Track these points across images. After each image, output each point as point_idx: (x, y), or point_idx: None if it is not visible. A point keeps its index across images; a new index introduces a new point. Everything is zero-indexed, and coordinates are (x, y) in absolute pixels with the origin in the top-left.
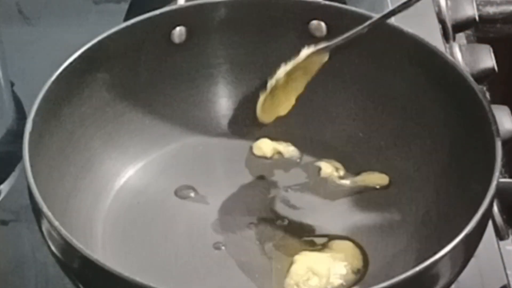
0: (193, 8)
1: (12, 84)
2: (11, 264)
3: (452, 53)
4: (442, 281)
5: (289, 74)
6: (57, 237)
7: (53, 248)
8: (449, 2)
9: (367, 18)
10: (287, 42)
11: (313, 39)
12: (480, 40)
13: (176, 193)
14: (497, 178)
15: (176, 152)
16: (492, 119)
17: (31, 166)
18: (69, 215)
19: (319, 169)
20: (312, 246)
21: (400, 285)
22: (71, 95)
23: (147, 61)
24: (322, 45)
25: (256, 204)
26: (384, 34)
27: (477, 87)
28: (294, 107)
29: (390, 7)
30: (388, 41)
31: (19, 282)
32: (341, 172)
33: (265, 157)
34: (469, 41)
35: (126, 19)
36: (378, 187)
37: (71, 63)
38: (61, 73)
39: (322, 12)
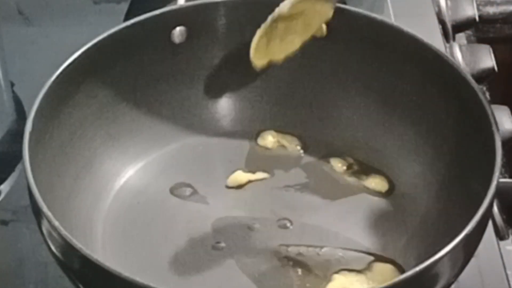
0: (193, 8)
1: (12, 84)
2: (11, 264)
3: (452, 53)
4: (442, 281)
5: (291, 15)
6: (57, 237)
7: (53, 248)
8: (449, 2)
9: (367, 18)
10: None
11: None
12: (480, 40)
13: (176, 193)
14: (497, 178)
15: (176, 152)
16: (492, 119)
17: (31, 166)
18: (69, 215)
19: (328, 163)
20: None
21: (400, 285)
22: (71, 95)
23: (147, 61)
24: None
25: (256, 204)
26: (384, 34)
27: (477, 87)
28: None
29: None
30: (388, 41)
31: (19, 282)
32: (352, 167)
33: (267, 148)
34: (469, 41)
35: (126, 19)
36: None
37: (71, 63)
38: (61, 73)
39: None
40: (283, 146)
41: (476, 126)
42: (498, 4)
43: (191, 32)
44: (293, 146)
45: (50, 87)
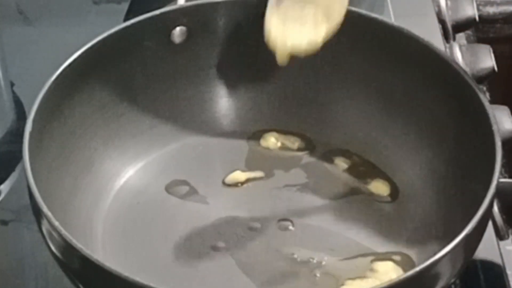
0: (193, 8)
1: (12, 84)
2: (11, 264)
3: (452, 53)
4: (442, 281)
5: None
6: (57, 237)
7: (53, 248)
8: (449, 2)
9: (367, 18)
10: None
11: None
12: (480, 40)
13: (176, 193)
14: (497, 178)
15: (176, 152)
16: (492, 119)
17: (31, 166)
18: (69, 215)
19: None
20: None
21: (400, 285)
22: (71, 95)
23: (147, 61)
24: None
25: (257, 204)
26: (384, 34)
27: (477, 87)
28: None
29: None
30: (388, 41)
31: (19, 282)
32: (352, 168)
33: (268, 149)
34: (469, 41)
35: (126, 19)
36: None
37: (71, 63)
38: (61, 73)
39: None
40: (285, 147)
41: (476, 126)
42: (498, 4)
43: (191, 32)
44: (294, 146)
45: (50, 87)
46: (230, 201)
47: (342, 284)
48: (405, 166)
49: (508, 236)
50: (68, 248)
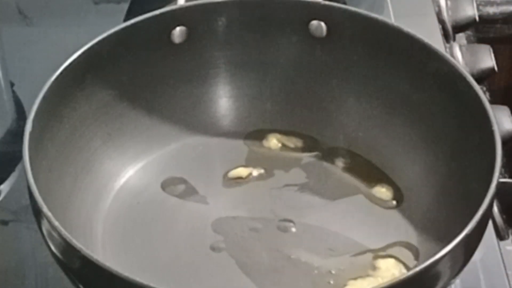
0: (193, 8)
1: (12, 84)
2: (11, 264)
3: (452, 53)
4: (442, 281)
5: None
6: (57, 237)
7: (53, 248)
8: (449, 2)
9: (367, 18)
10: (287, 42)
11: (313, 39)
12: (480, 40)
13: (175, 193)
14: (497, 178)
15: (176, 152)
16: (492, 119)
17: (31, 166)
18: (69, 215)
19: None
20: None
21: (400, 285)
22: (71, 95)
23: (147, 61)
24: None
25: (256, 204)
26: (384, 34)
27: (477, 87)
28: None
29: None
30: (388, 41)
31: (19, 282)
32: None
33: (270, 149)
34: (469, 41)
35: (126, 19)
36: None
37: (71, 63)
38: (61, 73)
39: (322, 12)
40: (285, 147)
41: (476, 126)
42: (498, 4)
43: (191, 32)
44: (295, 146)
45: (50, 87)
46: (230, 201)
47: (345, 285)
48: (405, 166)
49: (508, 236)
50: (68, 248)
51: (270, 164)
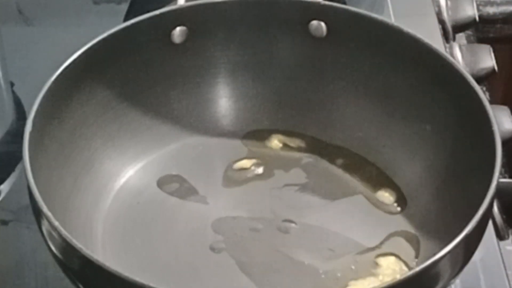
0: (193, 8)
1: (12, 84)
2: (11, 264)
3: (452, 53)
4: (442, 281)
5: None
6: (57, 237)
7: (53, 248)
8: (449, 2)
9: (367, 18)
10: (287, 42)
11: (313, 39)
12: (480, 40)
13: (175, 193)
14: (497, 178)
15: (176, 152)
16: (492, 119)
17: (31, 166)
18: (69, 215)
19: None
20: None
21: (400, 285)
22: (71, 95)
23: (147, 61)
24: None
25: (256, 204)
26: (384, 34)
27: (477, 87)
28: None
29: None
30: (388, 41)
31: (19, 282)
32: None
33: (270, 149)
34: (469, 41)
35: (126, 19)
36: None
37: (71, 63)
38: (61, 73)
39: (322, 12)
40: (286, 147)
41: (476, 126)
42: (498, 4)
43: (191, 32)
44: (295, 146)
45: (50, 87)
46: (230, 201)
47: (345, 285)
48: (405, 166)
49: (508, 236)
50: (68, 248)
51: (271, 164)
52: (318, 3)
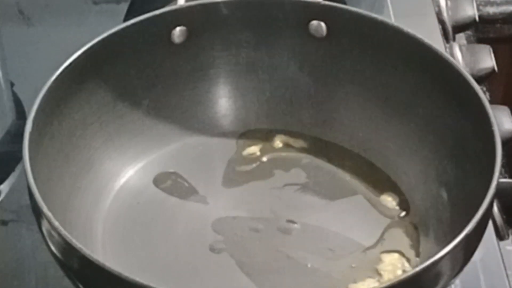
0: (193, 8)
1: (12, 84)
2: (11, 264)
3: (452, 53)
4: (442, 281)
5: None
6: (57, 237)
7: (53, 248)
8: (449, 2)
9: (367, 18)
10: (287, 42)
11: (313, 39)
12: (480, 40)
13: (175, 193)
14: (497, 178)
15: (176, 152)
16: (492, 119)
17: (31, 166)
18: (69, 215)
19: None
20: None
21: (400, 285)
22: (71, 95)
23: (147, 61)
24: None
25: (256, 204)
26: (384, 34)
27: (477, 87)
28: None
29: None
30: (388, 41)
31: (19, 282)
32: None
33: (279, 148)
34: (469, 41)
35: (126, 19)
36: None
37: (71, 63)
38: (61, 73)
39: (322, 12)
40: (287, 147)
41: (476, 126)
42: (498, 4)
43: (191, 32)
44: (296, 146)
45: (50, 87)
46: (230, 201)
47: (346, 286)
48: (405, 165)
49: (508, 236)
50: (68, 248)
51: (271, 164)
52: (318, 3)
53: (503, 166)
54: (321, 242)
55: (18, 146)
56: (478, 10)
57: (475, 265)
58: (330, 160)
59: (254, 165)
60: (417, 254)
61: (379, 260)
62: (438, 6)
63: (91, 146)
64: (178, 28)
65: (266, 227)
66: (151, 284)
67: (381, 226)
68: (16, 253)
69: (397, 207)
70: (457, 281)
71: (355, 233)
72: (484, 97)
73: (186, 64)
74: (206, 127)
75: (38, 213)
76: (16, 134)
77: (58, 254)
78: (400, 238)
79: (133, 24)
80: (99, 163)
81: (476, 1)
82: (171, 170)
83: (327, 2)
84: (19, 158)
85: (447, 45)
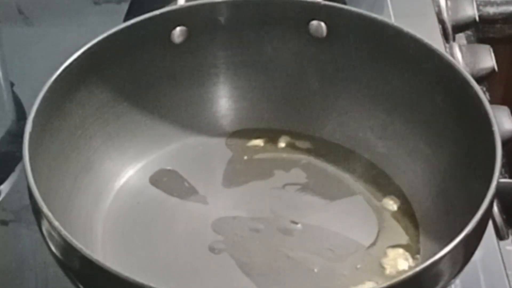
0: (193, 8)
1: (12, 84)
2: (11, 264)
3: (452, 53)
4: (442, 281)
5: None
6: (57, 237)
7: (53, 248)
8: (449, 2)
9: (367, 18)
10: (287, 42)
11: (313, 39)
12: (480, 40)
13: (175, 193)
14: (497, 178)
15: (176, 152)
16: (492, 119)
17: (31, 166)
18: (69, 215)
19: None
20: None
21: (400, 285)
22: (71, 95)
23: (147, 61)
24: None
25: (256, 204)
26: (384, 34)
27: (477, 87)
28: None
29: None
30: (388, 41)
31: (19, 282)
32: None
33: (279, 148)
34: (469, 41)
35: (126, 19)
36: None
37: (71, 63)
38: (61, 73)
39: (322, 12)
40: (288, 146)
41: (476, 126)
42: (498, 4)
43: (191, 32)
44: (296, 146)
45: (50, 87)
46: (230, 201)
47: (346, 286)
48: (405, 165)
49: (508, 236)
50: (68, 248)
51: (270, 164)
52: (318, 3)
53: (503, 166)
54: (321, 242)
55: (18, 146)
56: (478, 10)
57: (475, 265)
58: (330, 160)
59: (254, 165)
60: (417, 254)
61: (381, 258)
62: (438, 6)
63: (91, 146)
64: (178, 28)
65: (266, 227)
66: (151, 284)
67: (381, 226)
68: (16, 253)
69: (398, 207)
70: (457, 281)
71: (355, 233)
72: (484, 97)
73: (186, 64)
74: (206, 127)
75: (38, 213)
76: (16, 134)
77: (58, 254)
78: (400, 238)
79: (133, 24)
80: (99, 163)
81: (476, 1)
82: (171, 170)
83: (327, 2)
84: (19, 158)
85: (447, 45)
